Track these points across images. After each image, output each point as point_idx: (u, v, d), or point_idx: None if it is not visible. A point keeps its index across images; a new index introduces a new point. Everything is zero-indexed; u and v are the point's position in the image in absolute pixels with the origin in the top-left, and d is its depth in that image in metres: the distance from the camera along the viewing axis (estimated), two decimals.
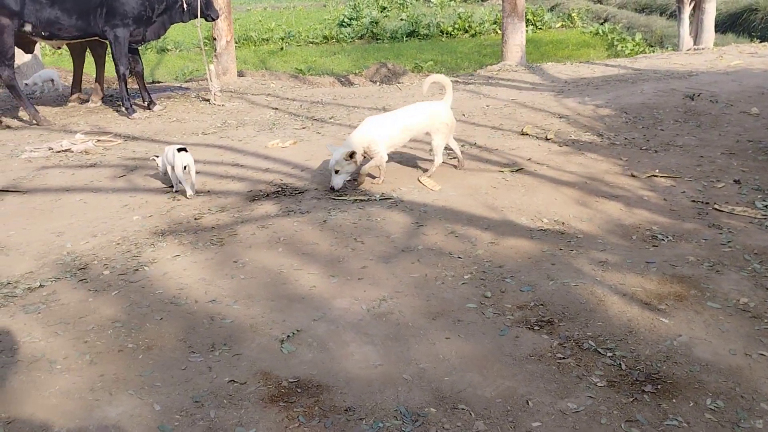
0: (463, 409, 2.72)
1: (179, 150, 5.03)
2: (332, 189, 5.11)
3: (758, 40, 13.95)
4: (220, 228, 4.53)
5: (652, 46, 16.27)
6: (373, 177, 5.38)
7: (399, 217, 4.61)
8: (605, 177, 5.43)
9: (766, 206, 4.76)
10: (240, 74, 11.87)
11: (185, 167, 5.04)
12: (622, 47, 16.28)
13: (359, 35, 20.33)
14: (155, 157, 5.57)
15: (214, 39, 10.78)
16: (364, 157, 5.19)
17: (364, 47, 18.93)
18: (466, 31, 20.08)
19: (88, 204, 5.20)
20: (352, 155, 5.02)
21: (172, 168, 5.12)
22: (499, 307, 3.48)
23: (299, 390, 2.84)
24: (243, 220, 4.64)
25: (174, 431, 2.60)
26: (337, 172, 5.09)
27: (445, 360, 3.05)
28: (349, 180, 5.25)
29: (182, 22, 8.81)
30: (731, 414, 2.61)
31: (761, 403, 2.66)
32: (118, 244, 4.34)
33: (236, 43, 14.94)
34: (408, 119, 5.30)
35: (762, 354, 3.00)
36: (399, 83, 11.04)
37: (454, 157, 5.65)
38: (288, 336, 3.23)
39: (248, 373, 2.95)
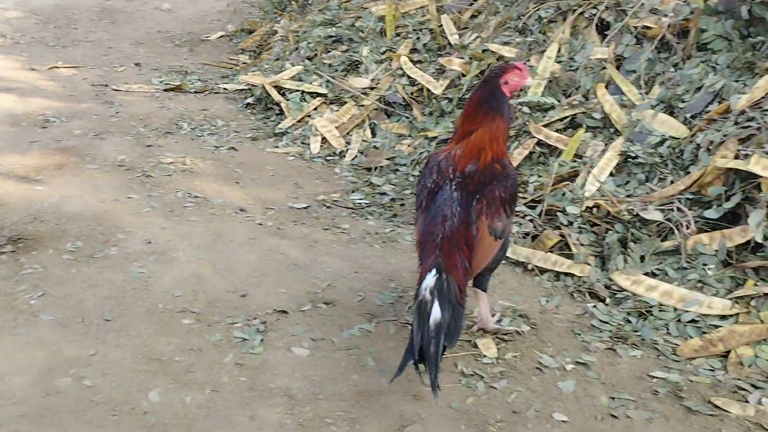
0: None
1: None
2: None
3: None
4: None
5: None
6: None
7: None
8: (2, 73, 5.05)
9: (160, 82, 5.10)
10: None
11: None
12: None
13: None
14: None
15: None
16: None
17: None
18: None
19: None
20: None
21: None
22: None
23: None
24: None
25: None
26: None
27: None
28: None
29: None
30: (89, 249, 2.73)
31: (118, 234, 2.86)
32: None
33: None
34: None
35: (129, 197, 3.22)
36: None
37: None
38: None
39: None
